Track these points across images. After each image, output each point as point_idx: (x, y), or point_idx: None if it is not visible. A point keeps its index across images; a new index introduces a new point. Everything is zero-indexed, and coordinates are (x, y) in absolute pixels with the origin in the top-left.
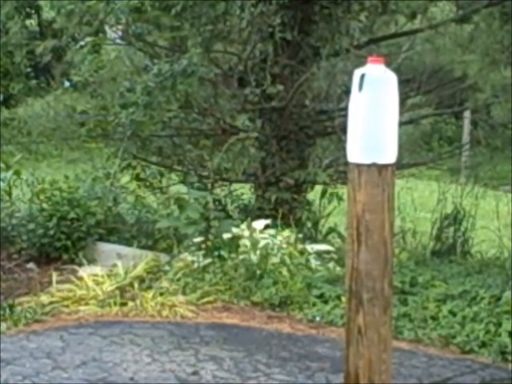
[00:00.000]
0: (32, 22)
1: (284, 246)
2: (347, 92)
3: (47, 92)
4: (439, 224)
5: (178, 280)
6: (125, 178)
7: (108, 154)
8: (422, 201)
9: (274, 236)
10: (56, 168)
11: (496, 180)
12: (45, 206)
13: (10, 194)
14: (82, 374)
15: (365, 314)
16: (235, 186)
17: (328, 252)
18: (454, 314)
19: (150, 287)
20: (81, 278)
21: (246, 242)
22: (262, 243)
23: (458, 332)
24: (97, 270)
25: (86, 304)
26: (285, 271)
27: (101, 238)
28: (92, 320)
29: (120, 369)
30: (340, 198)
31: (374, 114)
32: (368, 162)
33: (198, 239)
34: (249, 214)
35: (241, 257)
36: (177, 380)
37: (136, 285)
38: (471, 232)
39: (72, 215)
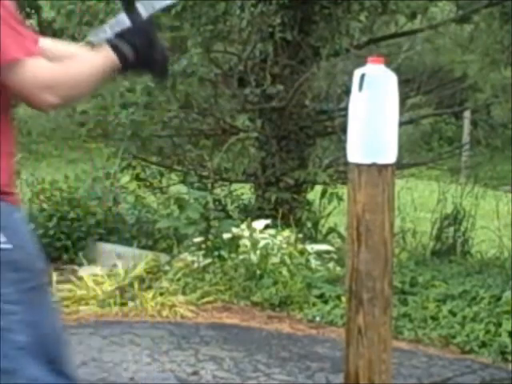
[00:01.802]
0: (32, 22)
1: (284, 245)
2: (347, 92)
3: None
4: (439, 224)
5: (178, 280)
6: (125, 178)
7: (108, 154)
8: (422, 201)
9: (274, 236)
10: (56, 168)
11: (496, 180)
12: (45, 206)
13: None
14: (82, 374)
15: (365, 313)
16: (235, 185)
17: (328, 252)
18: (454, 314)
19: (150, 287)
20: (81, 278)
21: (246, 241)
22: (261, 243)
23: (458, 332)
24: (97, 270)
25: (86, 304)
26: (285, 271)
27: (101, 238)
28: (92, 320)
29: (120, 369)
30: (340, 198)
31: (374, 114)
32: (368, 161)
33: (197, 239)
34: (249, 214)
35: (241, 257)
36: (177, 380)
37: (136, 285)
38: (471, 232)
39: (72, 215)
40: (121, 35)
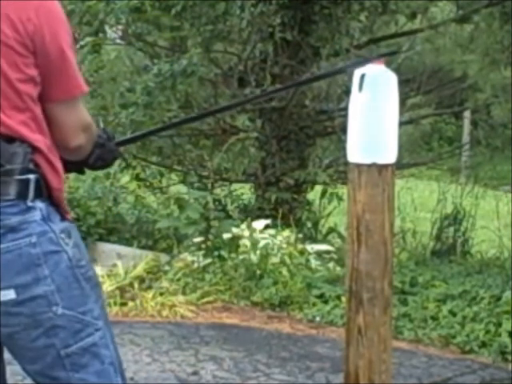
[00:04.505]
0: None
1: (284, 245)
2: (347, 92)
3: None
4: (439, 224)
5: (178, 280)
6: (125, 178)
7: None
8: (421, 201)
9: (274, 236)
10: None
11: (496, 180)
12: None
13: None
14: None
15: (365, 313)
16: (235, 185)
17: (328, 252)
18: (454, 314)
19: (150, 287)
20: None
21: (246, 242)
22: (261, 243)
23: (458, 332)
24: (97, 269)
25: None
26: (285, 271)
27: (101, 238)
28: None
29: None
30: (340, 198)
31: (374, 114)
32: (368, 161)
33: (197, 239)
34: (249, 214)
35: (241, 257)
36: (177, 380)
37: (136, 285)
38: (471, 232)
39: (72, 215)
40: (100, 145)
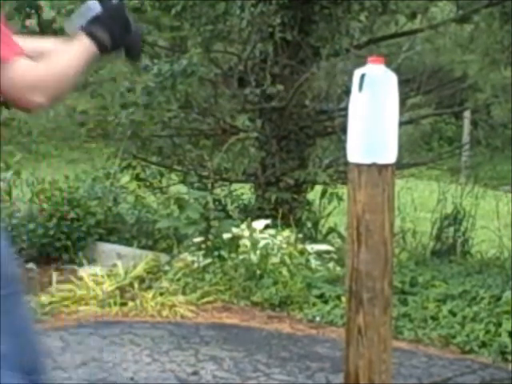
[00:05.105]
0: (32, 22)
1: (284, 245)
2: (347, 92)
3: None
4: (439, 224)
5: (178, 280)
6: (125, 178)
7: (108, 154)
8: (421, 201)
9: (274, 236)
10: (56, 168)
11: (496, 180)
12: (45, 205)
13: (10, 194)
14: (82, 374)
15: (365, 313)
16: (235, 186)
17: (328, 252)
18: (453, 314)
19: (150, 287)
20: (81, 278)
21: (246, 241)
22: (261, 243)
23: (458, 332)
24: (97, 270)
25: (86, 304)
26: (285, 271)
27: (101, 238)
28: (92, 320)
29: (120, 369)
30: (340, 198)
31: (374, 114)
32: (368, 161)
33: (197, 239)
34: (249, 214)
35: (241, 257)
36: (177, 380)
37: (136, 285)
38: (471, 232)
39: (72, 215)
40: (95, 21)
